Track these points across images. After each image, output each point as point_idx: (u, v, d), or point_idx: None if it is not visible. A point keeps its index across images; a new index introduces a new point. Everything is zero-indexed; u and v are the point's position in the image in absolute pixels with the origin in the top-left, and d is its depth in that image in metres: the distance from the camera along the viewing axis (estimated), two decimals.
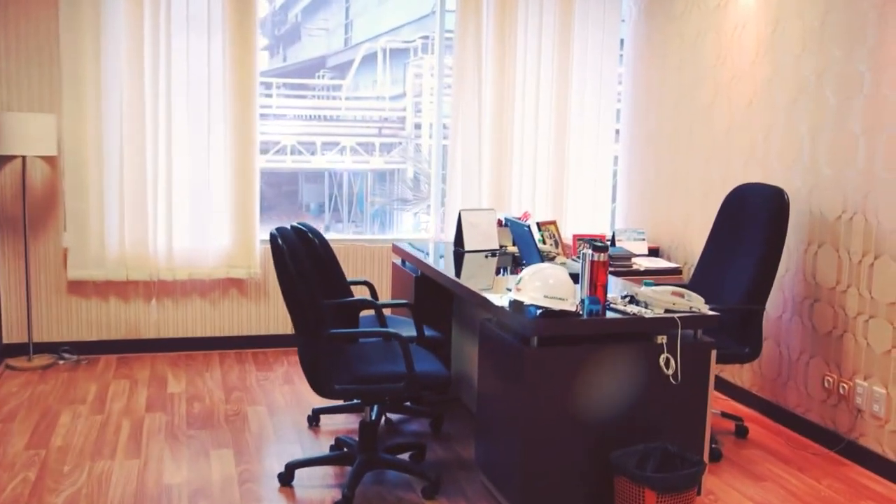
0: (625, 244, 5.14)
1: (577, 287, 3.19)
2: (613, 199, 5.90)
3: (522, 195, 5.66)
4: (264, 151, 6.12)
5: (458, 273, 3.90)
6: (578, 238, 5.07)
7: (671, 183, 5.22)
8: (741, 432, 4.12)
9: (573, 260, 4.74)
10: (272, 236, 3.17)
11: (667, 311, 3.16)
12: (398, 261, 4.78)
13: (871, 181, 3.71)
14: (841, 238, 3.89)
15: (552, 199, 5.68)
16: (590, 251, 3.24)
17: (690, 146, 5.02)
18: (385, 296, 5.54)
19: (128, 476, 3.41)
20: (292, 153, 6.80)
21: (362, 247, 5.52)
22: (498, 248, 4.60)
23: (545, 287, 3.05)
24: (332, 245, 5.39)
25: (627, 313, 3.12)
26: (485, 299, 3.30)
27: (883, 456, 3.66)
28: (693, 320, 3.15)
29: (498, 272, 3.97)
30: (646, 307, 3.19)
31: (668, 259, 5.20)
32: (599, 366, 3.05)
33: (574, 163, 5.72)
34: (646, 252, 5.16)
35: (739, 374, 4.63)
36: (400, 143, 6.86)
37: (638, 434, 3.13)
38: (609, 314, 3.12)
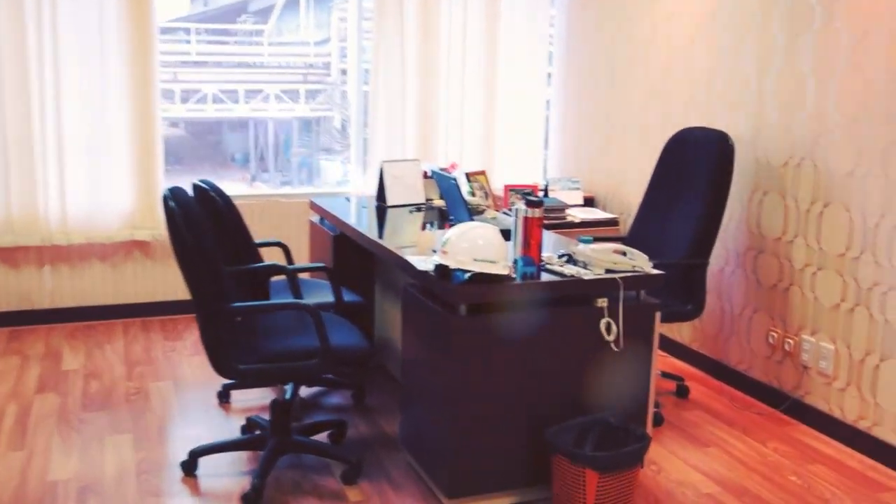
0: (558, 194, 4.84)
1: (510, 245, 2.88)
2: (546, 147, 5.59)
3: (450, 144, 5.30)
4: (185, 100, 5.75)
5: (379, 231, 3.55)
6: (510, 189, 4.76)
7: (607, 128, 4.92)
8: (682, 392, 3.90)
9: (505, 213, 4.44)
10: (164, 198, 2.77)
11: (607, 271, 2.87)
12: (316, 218, 4.40)
13: (822, 124, 3.46)
14: (788, 185, 3.65)
15: (482, 148, 5.33)
16: (522, 206, 2.92)
17: (627, 89, 4.72)
18: (304, 258, 5.16)
19: (8, 472, 3.02)
20: (214, 101, 6.66)
21: (278, 203, 5.09)
22: (424, 201, 4.26)
23: (474, 249, 2.72)
24: (245, 202, 5.01)
25: (565, 275, 2.82)
26: (407, 262, 2.96)
27: (830, 415, 3.48)
28: (636, 280, 2.87)
29: (423, 229, 3.63)
30: (584, 267, 2.90)
31: (605, 209, 4.92)
32: (534, 333, 2.76)
33: (504, 109, 5.37)
34: (581, 202, 4.87)
35: (679, 330, 4.41)
36: (325, 90, 6.48)
37: (577, 406, 2.86)
38: (545, 276, 2.82)
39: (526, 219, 2.89)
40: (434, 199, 4.32)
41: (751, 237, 3.87)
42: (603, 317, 2.83)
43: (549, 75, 5.51)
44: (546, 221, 4.49)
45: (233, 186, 5.80)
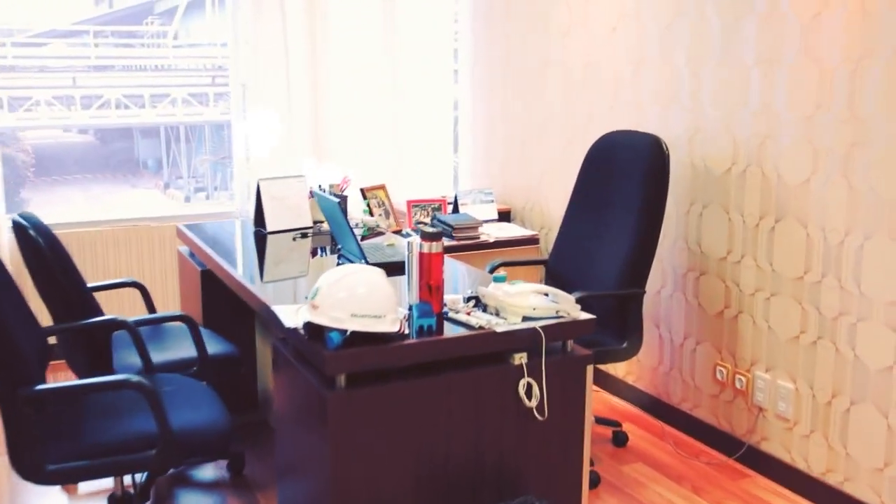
0: (469, 209, 4.25)
1: (406, 283, 2.28)
2: (456, 151, 4.99)
3: (345, 155, 4.64)
4: (86, 107, 5.45)
5: (259, 266, 2.90)
6: (413, 204, 4.15)
7: (522, 132, 4.35)
8: (620, 440, 3.35)
9: (407, 234, 3.83)
10: None
11: (525, 318, 2.28)
12: (186, 250, 3.71)
13: (769, 124, 2.94)
14: (732, 196, 3.12)
15: (381, 159, 4.70)
16: (417, 240, 2.32)
17: (544, 86, 4.15)
18: (173, 298, 4.41)
19: None
20: (118, 107, 6.43)
21: (148, 228, 4.36)
22: (311, 225, 3.62)
23: (352, 301, 2.10)
24: (97, 227, 4.16)
25: (472, 326, 2.22)
26: (273, 314, 2.33)
27: (792, 466, 2.97)
28: (562, 329, 2.29)
29: (308, 262, 3.00)
30: (497, 315, 2.30)
31: (522, 224, 4.35)
32: (436, 403, 2.15)
33: (406, 114, 4.74)
34: (495, 216, 4.29)
35: None
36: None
37: (494, 489, 2.27)
38: (448, 328, 2.21)
39: (423, 256, 2.29)
40: (324, 221, 3.69)
41: (691, 256, 3.34)
42: (522, 377, 2.24)
43: (456, 72, 4.91)
44: (455, 242, 3.90)
45: (146, 195, 5.27)
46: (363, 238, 3.49)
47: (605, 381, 3.89)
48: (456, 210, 4.24)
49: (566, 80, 3.97)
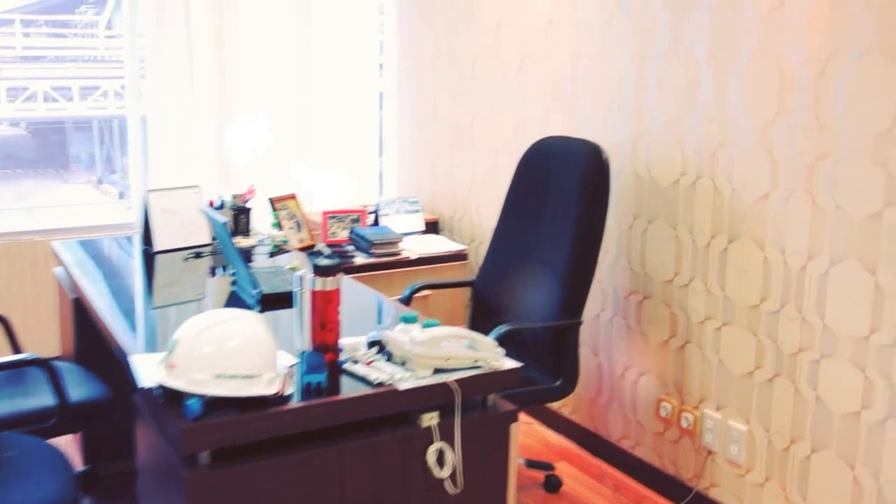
0: (392, 220, 3.84)
1: (298, 323, 1.88)
2: (381, 154, 4.57)
3: (256, 160, 4.18)
4: (12, 99, 5.40)
5: (131, 297, 2.46)
6: (330, 216, 3.73)
7: (451, 135, 3.96)
8: (552, 485, 2.98)
9: (318, 254, 3.42)
10: None
11: (437, 370, 1.89)
12: (62, 271, 3.23)
13: (723, 130, 2.60)
14: (680, 211, 2.78)
15: (296, 164, 4.24)
16: (308, 275, 1.92)
17: (473, 84, 3.76)
18: (51, 329, 3.88)
19: None
20: (46, 100, 6.06)
21: (19, 245, 3.81)
22: (209, 242, 3.18)
23: (219, 358, 1.69)
24: None
25: (371, 382, 1.82)
26: (130, 368, 1.90)
27: None
28: (481, 383, 1.90)
29: (196, 292, 2.57)
30: (403, 365, 1.91)
31: (451, 236, 3.96)
32: (326, 478, 1.75)
33: (326, 114, 4.30)
34: (421, 228, 3.89)
35: None
36: None
37: None
38: (344, 383, 1.82)
39: (316, 295, 1.89)
40: None
41: (633, 278, 2.99)
42: (432, 442, 1.86)
43: (381, 66, 4.49)
44: (374, 260, 3.50)
45: (79, 191, 5.06)
46: (271, 255, 3.07)
47: (539, 412, 3.52)
48: (377, 222, 3.83)
49: (498, 78, 3.58)
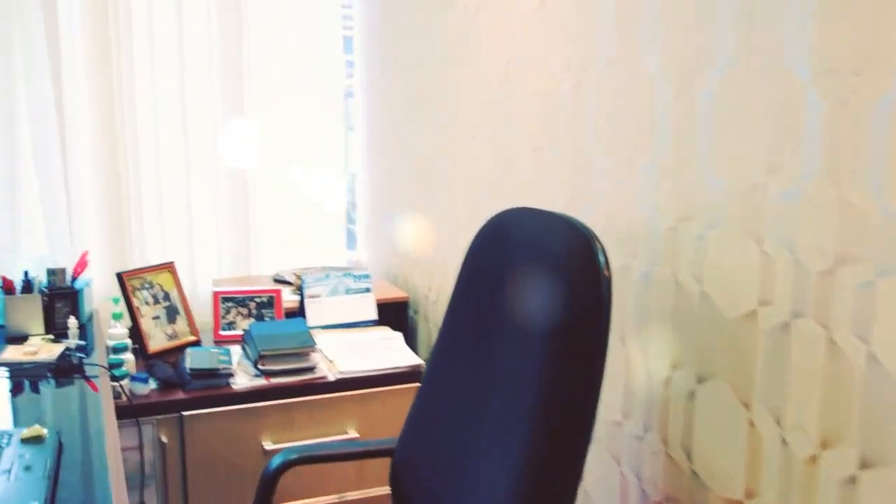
0: (324, 304, 2.52)
1: None
2: (352, 218, 3.26)
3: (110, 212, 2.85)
4: None
5: None
6: (224, 297, 2.45)
7: (423, 176, 2.61)
8: None
9: (198, 349, 2.17)
10: None
11: None
12: None
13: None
14: (760, 367, 1.35)
15: (180, 207, 2.90)
16: None
17: (440, 132, 2.41)
18: None
19: None
20: None
21: None
22: None
23: None
24: None
25: None
26: None
27: None
28: None
29: None
30: None
31: (425, 325, 2.61)
32: None
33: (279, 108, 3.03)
34: (372, 317, 2.56)
35: None
36: None
37: None
38: None
39: None
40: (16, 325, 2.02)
41: (672, 472, 1.58)
42: None
43: (352, 62, 3.20)
44: (264, 383, 2.19)
45: None
46: (110, 367, 1.86)
47: None
48: (302, 307, 2.53)
49: (463, 121, 2.22)
